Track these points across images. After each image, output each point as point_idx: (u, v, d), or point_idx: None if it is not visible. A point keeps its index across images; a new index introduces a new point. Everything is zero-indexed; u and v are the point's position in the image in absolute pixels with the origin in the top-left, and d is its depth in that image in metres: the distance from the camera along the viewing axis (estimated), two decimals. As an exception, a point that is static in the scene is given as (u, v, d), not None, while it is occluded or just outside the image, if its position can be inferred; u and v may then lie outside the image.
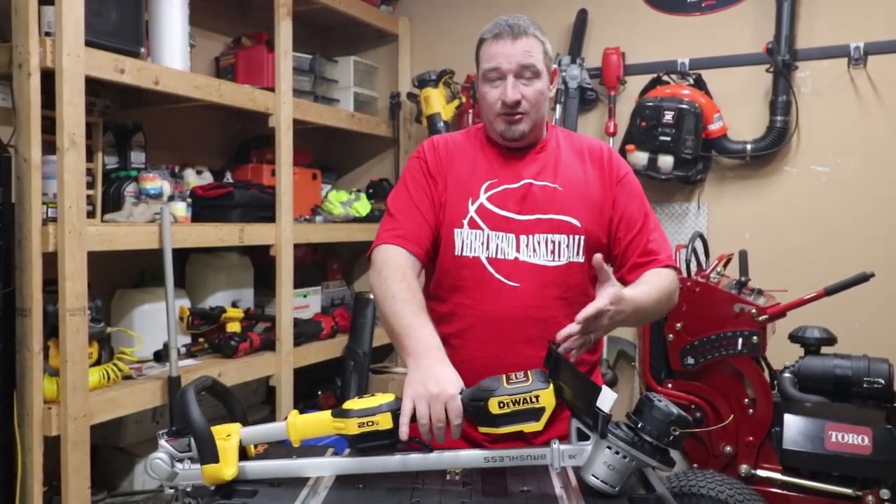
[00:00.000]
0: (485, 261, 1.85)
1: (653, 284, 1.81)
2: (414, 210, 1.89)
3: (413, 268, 1.83)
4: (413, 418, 1.49)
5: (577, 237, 1.86)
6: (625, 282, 1.88)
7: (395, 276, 1.78)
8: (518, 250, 1.84)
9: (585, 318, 1.55)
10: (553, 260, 1.85)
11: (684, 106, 3.78)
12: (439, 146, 1.97)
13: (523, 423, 1.45)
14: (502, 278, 1.84)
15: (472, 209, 1.86)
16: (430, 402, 1.49)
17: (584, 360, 1.88)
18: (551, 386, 1.45)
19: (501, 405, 1.44)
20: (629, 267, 1.90)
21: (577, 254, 1.86)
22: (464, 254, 1.86)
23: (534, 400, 1.44)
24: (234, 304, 3.66)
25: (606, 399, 1.36)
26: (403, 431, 1.47)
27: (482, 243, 1.85)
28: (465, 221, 1.86)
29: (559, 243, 1.85)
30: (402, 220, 1.89)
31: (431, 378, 1.53)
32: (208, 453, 1.42)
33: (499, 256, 1.84)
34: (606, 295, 1.58)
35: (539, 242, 1.85)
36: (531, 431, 1.46)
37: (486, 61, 1.86)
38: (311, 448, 1.67)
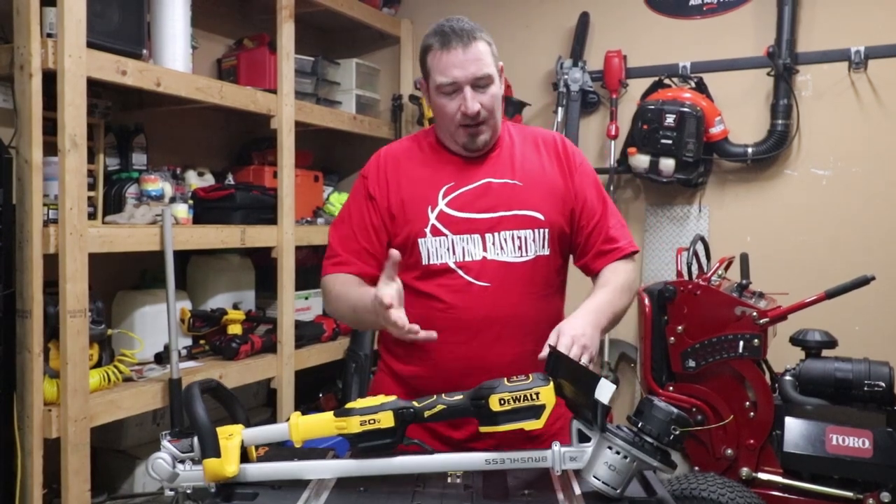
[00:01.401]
0: (453, 265, 1.85)
1: (613, 283, 1.86)
2: (353, 239, 1.92)
3: (350, 277, 1.89)
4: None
5: (542, 231, 1.88)
6: (589, 269, 1.96)
7: (334, 291, 1.89)
8: (485, 249, 1.85)
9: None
10: (521, 256, 1.86)
11: (686, 109, 3.79)
12: (386, 161, 1.97)
13: (524, 421, 1.46)
14: (472, 279, 1.84)
15: (432, 217, 1.86)
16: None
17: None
18: (551, 383, 1.45)
19: (502, 402, 1.45)
20: (593, 255, 1.95)
21: (543, 247, 1.89)
22: (431, 262, 1.86)
23: (534, 397, 1.44)
24: (236, 307, 3.65)
25: (605, 390, 1.36)
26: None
27: (448, 249, 1.85)
28: (427, 230, 1.85)
29: (525, 238, 1.87)
30: (342, 251, 1.92)
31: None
32: (210, 447, 1.42)
33: (466, 259, 1.85)
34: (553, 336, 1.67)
35: (506, 239, 1.86)
36: (531, 429, 1.47)
37: (439, 74, 1.83)
38: (313, 450, 1.67)
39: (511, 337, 1.85)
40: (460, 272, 1.84)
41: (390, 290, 1.63)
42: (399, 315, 1.61)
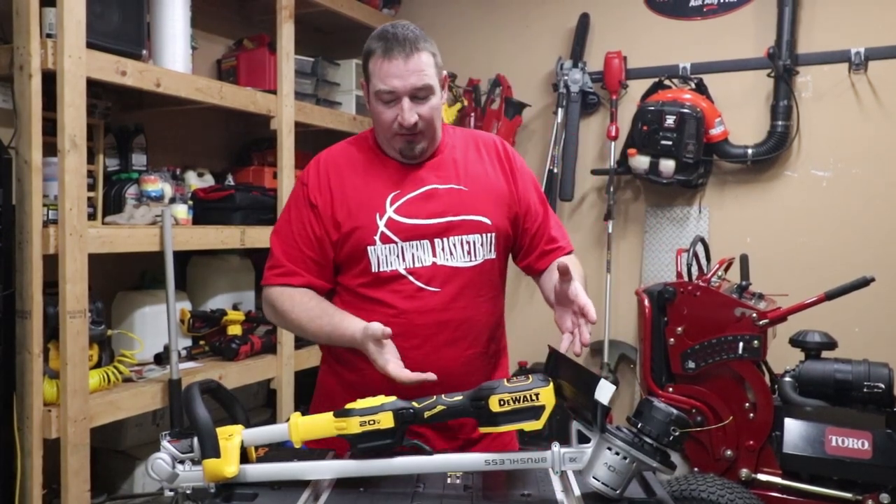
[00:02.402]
0: (404, 272, 1.84)
1: (576, 272, 1.85)
2: (295, 247, 1.90)
3: (298, 290, 1.89)
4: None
5: (489, 235, 1.89)
6: (533, 269, 2.00)
7: (287, 305, 1.88)
8: (434, 255, 1.85)
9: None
10: (470, 260, 1.87)
11: (686, 110, 3.79)
12: (327, 166, 1.94)
13: (524, 422, 1.46)
14: (423, 285, 1.84)
15: (381, 224, 1.84)
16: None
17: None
18: (551, 384, 1.46)
19: (502, 403, 1.45)
20: (537, 255, 1.98)
21: (491, 251, 1.90)
22: (381, 269, 1.85)
23: (534, 398, 1.45)
24: (235, 307, 3.65)
25: (605, 390, 1.37)
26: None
27: (397, 256, 1.84)
28: (377, 237, 1.84)
29: (474, 243, 1.87)
30: (285, 260, 1.90)
31: (377, 360, 1.70)
32: (210, 447, 1.42)
33: (416, 265, 1.84)
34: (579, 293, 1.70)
35: (455, 245, 1.86)
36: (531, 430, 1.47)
37: (378, 81, 1.81)
38: (312, 451, 1.68)
39: (462, 340, 1.87)
40: (411, 278, 1.84)
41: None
42: (396, 366, 1.69)
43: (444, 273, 1.85)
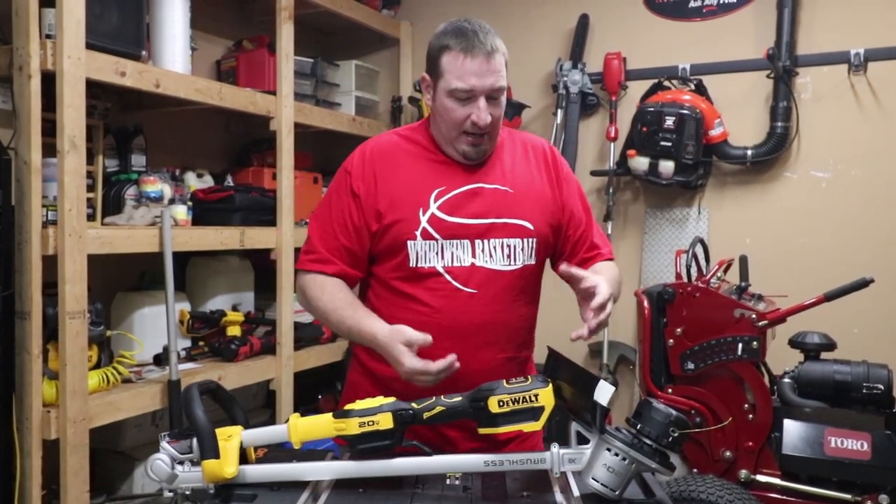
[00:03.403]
0: (441, 270, 1.84)
1: (609, 274, 1.86)
2: (333, 235, 1.89)
3: (331, 280, 1.89)
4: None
5: (530, 240, 1.88)
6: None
7: (317, 293, 1.88)
8: (474, 255, 1.84)
9: (598, 322, 1.64)
10: (509, 264, 1.86)
11: (685, 111, 3.79)
12: (372, 156, 1.92)
13: (523, 423, 1.46)
14: (459, 285, 1.83)
15: (423, 220, 1.83)
16: (416, 378, 1.66)
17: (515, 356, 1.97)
18: (550, 385, 1.46)
19: (501, 404, 1.45)
20: (577, 262, 1.94)
21: (531, 257, 1.89)
22: (419, 265, 1.84)
23: (533, 399, 1.45)
24: (235, 308, 3.66)
25: (604, 392, 1.37)
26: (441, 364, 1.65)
27: (437, 253, 1.83)
28: (418, 233, 1.83)
29: (514, 247, 1.86)
30: (321, 246, 1.90)
31: (396, 358, 1.69)
32: (209, 449, 1.42)
33: (455, 264, 1.83)
34: (599, 284, 1.67)
35: (495, 247, 1.85)
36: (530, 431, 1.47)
37: (455, 79, 1.79)
38: (311, 452, 1.68)
39: (495, 344, 1.86)
40: (448, 277, 1.83)
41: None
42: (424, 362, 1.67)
43: (482, 275, 1.84)
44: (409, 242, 1.83)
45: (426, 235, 1.83)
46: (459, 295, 1.83)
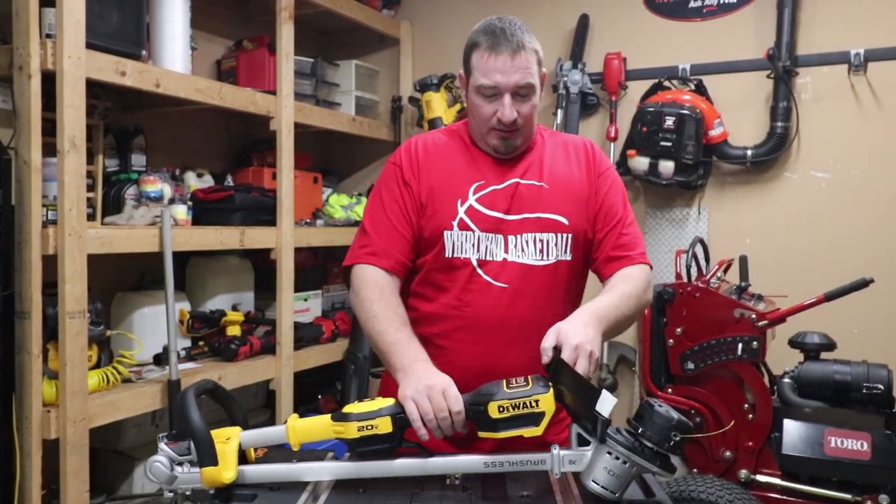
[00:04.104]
0: (475, 262, 1.83)
1: (621, 288, 1.81)
2: (387, 224, 1.87)
3: (390, 285, 1.84)
4: (407, 423, 1.48)
5: (565, 235, 1.86)
6: (599, 275, 1.91)
7: (374, 295, 1.80)
8: (506, 251, 1.83)
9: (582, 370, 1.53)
10: (542, 259, 1.84)
11: (685, 111, 3.79)
12: (417, 148, 1.94)
13: (523, 428, 1.45)
14: (491, 280, 1.82)
15: (461, 211, 1.84)
16: (428, 395, 1.52)
17: None
18: (551, 391, 1.44)
19: (501, 409, 1.44)
20: (603, 259, 1.89)
21: (566, 252, 1.86)
22: (455, 255, 1.83)
23: (533, 404, 1.43)
24: (235, 308, 3.65)
25: (606, 403, 1.36)
26: (423, 433, 1.51)
27: (473, 245, 1.83)
28: (455, 223, 1.83)
29: (547, 242, 1.84)
30: (376, 237, 1.87)
31: (423, 378, 1.57)
32: (207, 456, 1.42)
33: (488, 258, 1.83)
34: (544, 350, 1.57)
35: (527, 242, 1.83)
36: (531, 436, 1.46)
37: (481, 75, 1.80)
38: (311, 452, 1.67)
39: (526, 341, 1.78)
40: (480, 271, 1.82)
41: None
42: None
43: (514, 269, 1.82)
44: (445, 232, 1.83)
45: (463, 226, 1.83)
46: (491, 289, 1.82)
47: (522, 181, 1.87)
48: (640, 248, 1.92)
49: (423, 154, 1.93)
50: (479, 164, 1.90)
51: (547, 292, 1.85)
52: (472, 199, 1.85)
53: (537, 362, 1.70)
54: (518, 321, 1.82)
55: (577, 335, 1.56)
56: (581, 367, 1.51)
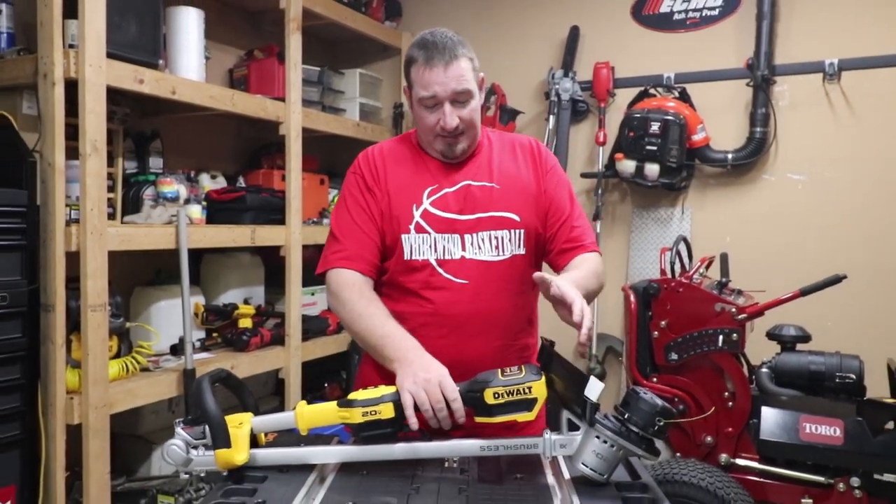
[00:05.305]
0: (434, 262, 1.83)
1: (585, 267, 1.83)
2: (356, 229, 1.87)
3: (367, 284, 1.85)
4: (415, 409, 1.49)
5: (518, 231, 1.86)
6: (554, 266, 1.93)
7: (355, 295, 1.81)
8: (464, 249, 1.84)
9: (586, 333, 1.51)
10: (498, 255, 1.85)
11: (670, 117, 3.79)
12: (374, 157, 1.94)
13: (517, 413, 1.46)
14: (451, 277, 1.83)
15: (416, 215, 1.84)
16: (425, 387, 1.52)
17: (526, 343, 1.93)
18: (543, 378, 1.46)
19: (496, 395, 1.45)
20: (557, 252, 1.91)
21: (519, 247, 1.87)
22: (413, 257, 1.84)
23: (527, 391, 1.45)
24: (246, 301, 3.65)
25: (594, 388, 1.37)
26: (413, 422, 1.49)
27: (430, 246, 1.83)
28: (412, 227, 1.84)
29: (502, 238, 1.85)
30: (346, 242, 1.87)
31: (420, 368, 1.57)
32: (221, 439, 1.42)
33: (446, 257, 1.83)
34: (569, 288, 1.55)
35: (483, 239, 1.84)
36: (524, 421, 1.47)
37: (421, 88, 1.81)
38: (318, 437, 1.68)
39: (489, 332, 1.84)
40: (440, 270, 1.83)
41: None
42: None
43: (472, 266, 1.83)
44: (403, 236, 1.84)
45: (419, 229, 1.84)
46: (451, 286, 1.82)
47: (474, 183, 1.88)
48: (591, 238, 1.95)
49: (381, 162, 1.92)
50: (432, 169, 1.90)
51: (504, 285, 1.86)
52: (426, 203, 1.85)
53: (499, 351, 1.79)
54: (480, 314, 1.83)
55: (578, 292, 1.55)
56: (585, 327, 1.49)
